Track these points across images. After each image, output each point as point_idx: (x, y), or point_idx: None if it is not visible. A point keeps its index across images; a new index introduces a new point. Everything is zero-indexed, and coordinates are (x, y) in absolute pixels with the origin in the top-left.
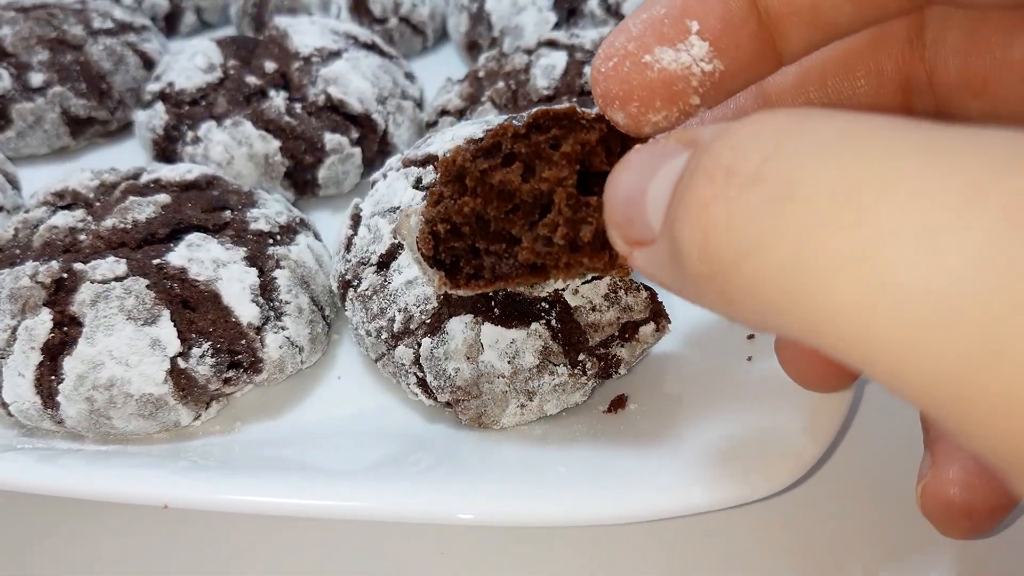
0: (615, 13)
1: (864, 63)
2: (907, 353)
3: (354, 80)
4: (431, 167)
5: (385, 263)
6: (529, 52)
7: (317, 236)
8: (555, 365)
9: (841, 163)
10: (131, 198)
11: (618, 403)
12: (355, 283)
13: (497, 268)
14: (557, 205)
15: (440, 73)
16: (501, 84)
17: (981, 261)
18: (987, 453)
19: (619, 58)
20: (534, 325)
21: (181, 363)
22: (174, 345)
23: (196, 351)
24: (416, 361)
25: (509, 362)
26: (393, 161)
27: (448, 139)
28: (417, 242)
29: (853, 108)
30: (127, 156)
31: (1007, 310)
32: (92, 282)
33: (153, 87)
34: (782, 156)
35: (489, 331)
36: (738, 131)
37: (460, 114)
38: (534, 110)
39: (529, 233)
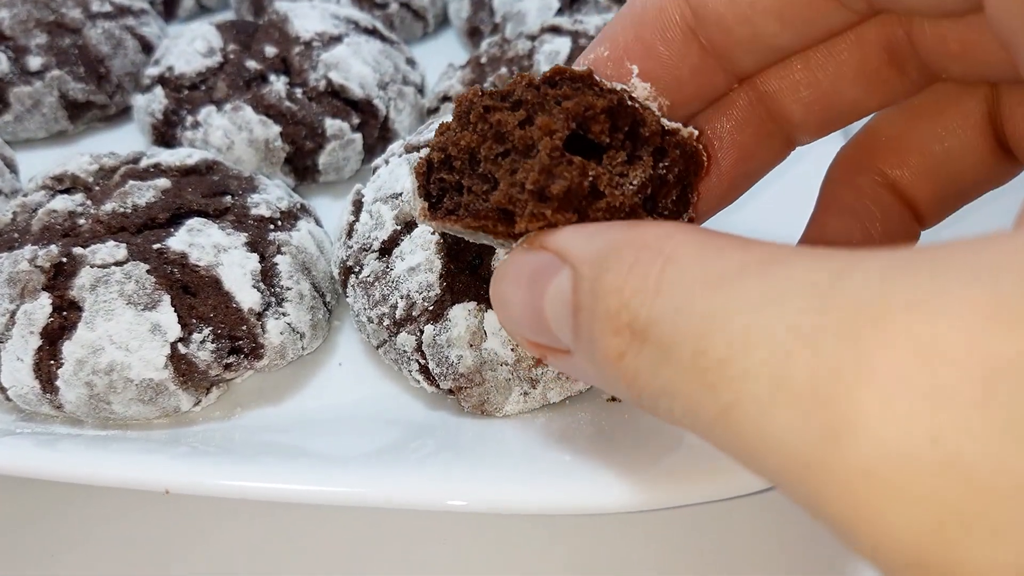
0: (618, 0)
1: (845, 34)
2: (777, 484)
3: (355, 65)
4: None
5: (387, 249)
6: (532, 38)
7: (318, 222)
8: None
9: (698, 327)
10: (131, 182)
11: None
12: (357, 269)
13: (471, 206)
14: (539, 153)
15: (441, 59)
16: (504, 70)
17: (796, 433)
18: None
19: None
20: None
21: (181, 348)
22: (174, 330)
23: (197, 336)
24: (418, 348)
25: (512, 349)
26: (395, 147)
27: None
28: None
29: (840, 80)
30: (126, 141)
31: (821, 474)
32: (92, 266)
33: (152, 71)
34: (658, 317)
35: (492, 318)
36: (616, 273)
37: None
38: (554, 66)
39: (509, 177)
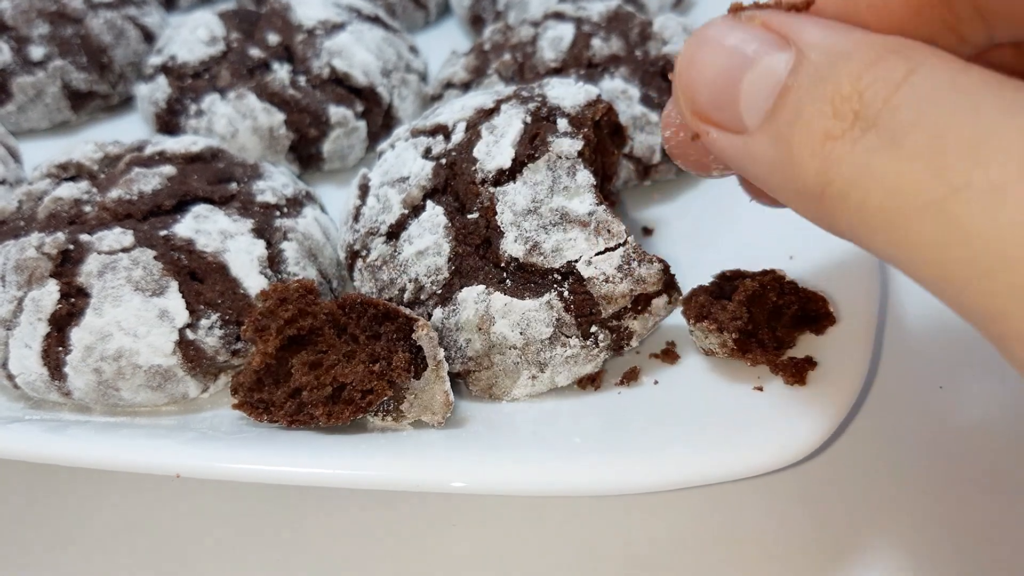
0: None
1: None
2: (967, 283)
3: (358, 53)
4: (440, 136)
5: (395, 233)
6: (535, 24)
7: (323, 209)
8: (567, 337)
9: (941, 117)
10: (136, 169)
11: (630, 375)
12: (363, 253)
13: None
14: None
15: (442, 48)
16: (507, 56)
17: None
18: None
19: (673, 129)
20: (547, 296)
21: (189, 334)
22: (182, 316)
23: (204, 322)
24: None
25: (521, 333)
26: (401, 131)
27: (458, 108)
28: None
29: None
30: (129, 131)
31: None
32: (99, 253)
33: (155, 60)
34: (897, 103)
35: (501, 302)
36: (858, 63)
37: (465, 87)
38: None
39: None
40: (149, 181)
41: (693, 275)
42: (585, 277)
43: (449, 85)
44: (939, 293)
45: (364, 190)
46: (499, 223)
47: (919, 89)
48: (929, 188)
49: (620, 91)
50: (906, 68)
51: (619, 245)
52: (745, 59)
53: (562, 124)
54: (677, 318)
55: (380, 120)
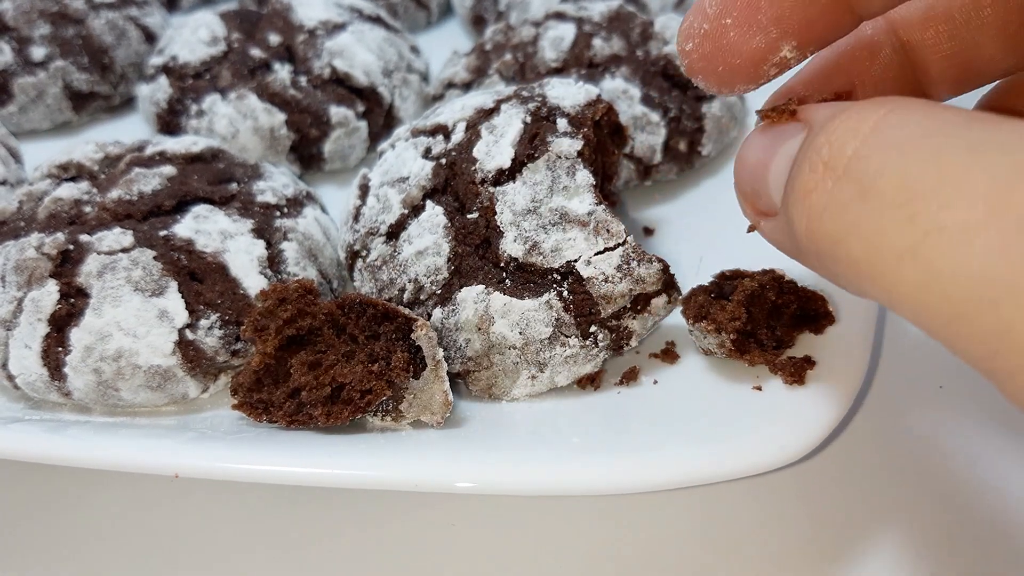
0: None
1: None
2: (953, 325)
3: (359, 53)
4: (440, 136)
5: (394, 233)
6: (537, 24)
7: (324, 209)
8: (567, 336)
9: (906, 164)
10: (136, 170)
11: (630, 375)
12: (363, 253)
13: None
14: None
15: (444, 48)
16: (508, 56)
17: (1000, 257)
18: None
19: (698, 40)
20: (546, 296)
21: (189, 335)
22: (182, 316)
23: (204, 323)
24: None
25: (520, 333)
26: (401, 131)
27: (458, 108)
28: None
29: (982, 36)
30: (130, 131)
31: (1016, 296)
32: (98, 253)
33: (156, 61)
34: (865, 154)
35: (501, 302)
36: (837, 125)
37: (467, 87)
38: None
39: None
40: (149, 181)
41: (693, 275)
42: (584, 277)
43: (450, 85)
44: (934, 336)
45: (364, 190)
46: (499, 223)
47: (885, 137)
48: (903, 234)
49: (621, 91)
50: (874, 118)
51: (618, 245)
52: (775, 146)
53: (562, 124)
54: (677, 318)
55: (381, 120)
